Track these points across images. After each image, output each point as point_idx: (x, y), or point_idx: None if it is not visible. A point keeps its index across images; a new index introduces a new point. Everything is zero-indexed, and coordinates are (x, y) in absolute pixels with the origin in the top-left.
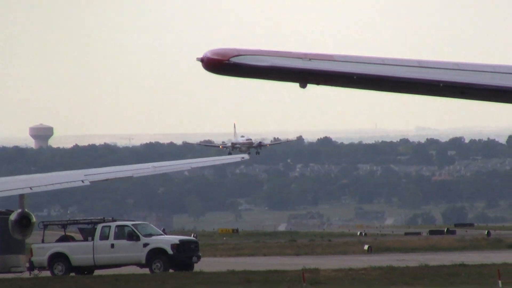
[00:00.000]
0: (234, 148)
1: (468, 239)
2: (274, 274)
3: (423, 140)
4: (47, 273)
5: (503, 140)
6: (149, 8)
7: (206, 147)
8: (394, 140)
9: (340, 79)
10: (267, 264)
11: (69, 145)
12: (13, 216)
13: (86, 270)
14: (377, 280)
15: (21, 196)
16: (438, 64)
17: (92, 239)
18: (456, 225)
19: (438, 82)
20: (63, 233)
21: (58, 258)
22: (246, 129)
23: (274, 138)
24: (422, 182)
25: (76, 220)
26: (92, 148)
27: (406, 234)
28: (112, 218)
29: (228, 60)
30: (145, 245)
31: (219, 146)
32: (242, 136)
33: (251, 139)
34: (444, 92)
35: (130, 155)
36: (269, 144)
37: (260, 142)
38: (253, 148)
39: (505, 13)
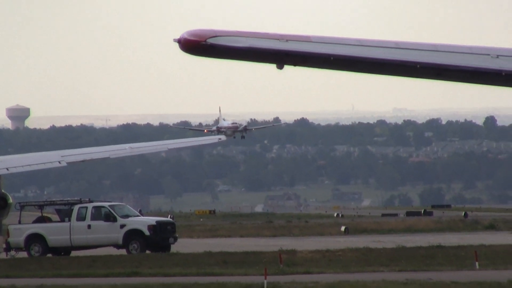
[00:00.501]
0: (219, 132)
1: (445, 220)
2: (251, 256)
3: (400, 122)
4: (24, 254)
5: (480, 121)
6: None
7: (189, 130)
8: (371, 122)
9: (317, 60)
10: (244, 245)
11: (45, 126)
12: None
13: (63, 251)
14: (353, 262)
15: None
16: (415, 45)
17: (69, 220)
18: (433, 207)
19: (415, 63)
20: (40, 214)
21: (35, 239)
22: (223, 110)
23: (251, 119)
24: (399, 163)
25: (53, 201)
26: (68, 129)
27: (383, 215)
28: (89, 199)
29: (205, 41)
30: (122, 226)
31: (204, 130)
32: (224, 120)
33: (236, 123)
34: (421, 74)
35: (106, 136)
36: (255, 128)
37: (245, 126)
38: (238, 132)
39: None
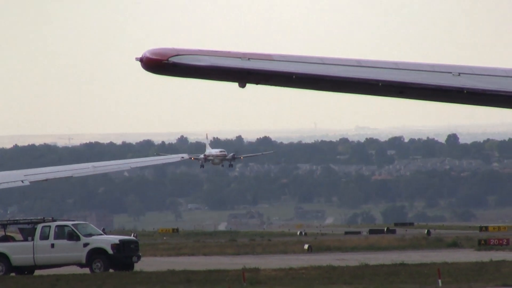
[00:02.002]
0: (206, 160)
1: (408, 238)
2: (214, 274)
3: (362, 140)
4: None
5: (442, 139)
6: (91, 7)
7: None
8: (334, 140)
9: (279, 78)
10: (207, 263)
11: (8, 145)
12: None
13: (26, 270)
14: (317, 280)
15: None
16: (377, 63)
17: (32, 239)
18: (396, 224)
19: (377, 81)
20: (3, 233)
21: None
22: (185, 129)
23: (214, 138)
24: (361, 181)
25: (16, 220)
26: (31, 148)
27: (346, 233)
28: (52, 218)
29: (167, 60)
30: (85, 245)
31: (191, 158)
32: (204, 146)
33: (224, 151)
34: (383, 92)
35: (69, 155)
36: (243, 157)
37: (233, 154)
38: (226, 160)
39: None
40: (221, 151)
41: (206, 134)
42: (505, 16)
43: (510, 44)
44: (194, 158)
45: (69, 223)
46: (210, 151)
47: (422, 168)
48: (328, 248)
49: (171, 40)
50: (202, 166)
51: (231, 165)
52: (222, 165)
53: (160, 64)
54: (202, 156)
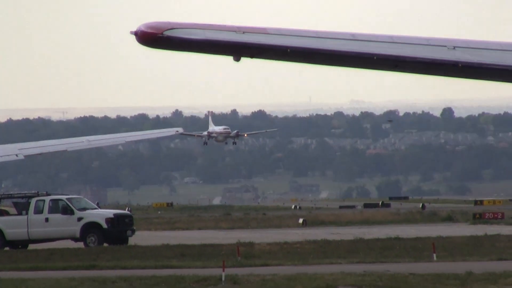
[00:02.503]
0: (210, 137)
1: (403, 212)
2: (209, 248)
3: (357, 113)
4: None
5: (437, 113)
6: None
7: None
8: (328, 114)
9: (274, 52)
10: (201, 238)
11: (2, 119)
12: None
13: (20, 244)
14: (311, 254)
15: None
16: (372, 37)
17: (27, 213)
18: (390, 198)
19: (372, 55)
20: None
21: None
22: (181, 103)
23: (208, 111)
24: (356, 155)
25: (10, 194)
26: (26, 122)
27: (340, 207)
28: (46, 192)
29: (162, 33)
30: (80, 219)
31: (194, 135)
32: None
33: (228, 129)
34: (378, 65)
35: (64, 129)
36: (247, 134)
37: (237, 132)
38: (230, 137)
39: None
40: (225, 128)
41: (209, 112)
42: None
43: (506, 18)
44: (197, 136)
45: (64, 197)
46: (213, 128)
47: (417, 142)
48: (322, 222)
49: (166, 14)
50: (205, 143)
51: (234, 143)
52: (226, 143)
53: (154, 38)
54: (205, 133)
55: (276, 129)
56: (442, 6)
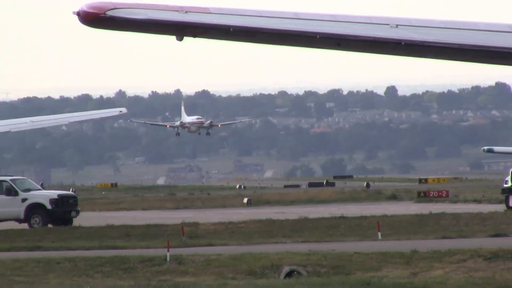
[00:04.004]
0: (183, 127)
1: (348, 191)
2: (154, 228)
3: (301, 92)
4: None
5: (381, 91)
6: None
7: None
8: (273, 93)
9: (217, 31)
10: (146, 218)
11: None
12: None
13: None
14: (256, 233)
15: None
16: (314, 15)
17: None
18: (335, 177)
19: (315, 33)
20: None
21: None
22: (124, 83)
23: (152, 91)
24: (301, 134)
25: None
26: None
27: (285, 186)
28: None
29: (104, 13)
30: (24, 200)
31: (166, 126)
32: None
33: (201, 119)
34: (321, 44)
35: (7, 109)
36: (221, 124)
37: (211, 122)
38: (203, 128)
39: None
40: (198, 118)
41: (182, 101)
42: None
43: None
44: (169, 126)
45: (7, 178)
46: (185, 118)
47: (361, 121)
48: (267, 201)
49: None
50: (177, 134)
51: (208, 133)
52: (199, 133)
53: (97, 17)
54: (177, 123)
55: (251, 119)
56: None
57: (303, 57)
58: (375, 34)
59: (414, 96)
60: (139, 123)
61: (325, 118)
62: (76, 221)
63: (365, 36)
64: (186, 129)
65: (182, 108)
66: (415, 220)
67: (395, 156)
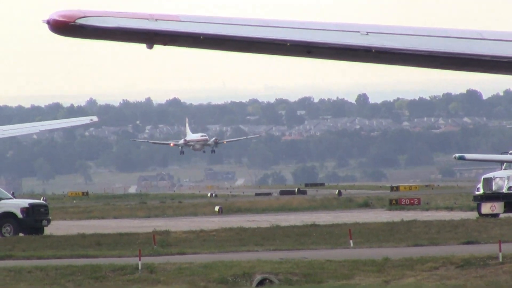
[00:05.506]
0: (187, 145)
1: (319, 199)
2: (125, 237)
3: (272, 100)
4: None
5: (352, 99)
6: None
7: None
8: (244, 100)
9: (187, 39)
10: (117, 226)
11: None
12: None
13: None
14: (228, 241)
15: None
16: (284, 23)
17: None
18: (306, 185)
19: (285, 41)
20: None
21: None
22: (95, 91)
23: (123, 100)
24: (272, 142)
25: None
26: None
27: (256, 194)
28: None
29: (74, 21)
30: None
31: (169, 144)
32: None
33: (205, 136)
34: (291, 52)
35: None
36: (226, 141)
37: (215, 139)
38: (208, 145)
39: None
40: (202, 136)
41: (186, 119)
42: None
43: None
44: (174, 144)
45: None
46: (190, 136)
47: (332, 128)
48: (239, 209)
49: (79, 2)
50: (182, 152)
51: (213, 151)
52: (204, 151)
53: (67, 26)
54: (182, 141)
55: (258, 135)
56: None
57: (274, 64)
58: (346, 41)
59: (385, 103)
60: (141, 141)
61: (296, 125)
62: (47, 230)
63: (335, 44)
64: (191, 147)
65: (187, 125)
66: (387, 227)
67: (367, 163)
